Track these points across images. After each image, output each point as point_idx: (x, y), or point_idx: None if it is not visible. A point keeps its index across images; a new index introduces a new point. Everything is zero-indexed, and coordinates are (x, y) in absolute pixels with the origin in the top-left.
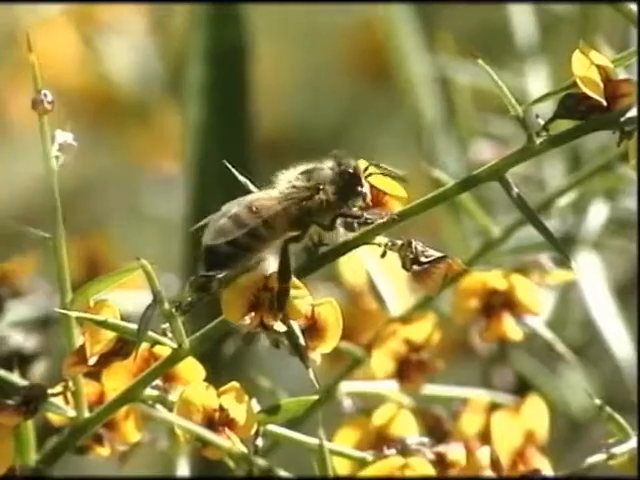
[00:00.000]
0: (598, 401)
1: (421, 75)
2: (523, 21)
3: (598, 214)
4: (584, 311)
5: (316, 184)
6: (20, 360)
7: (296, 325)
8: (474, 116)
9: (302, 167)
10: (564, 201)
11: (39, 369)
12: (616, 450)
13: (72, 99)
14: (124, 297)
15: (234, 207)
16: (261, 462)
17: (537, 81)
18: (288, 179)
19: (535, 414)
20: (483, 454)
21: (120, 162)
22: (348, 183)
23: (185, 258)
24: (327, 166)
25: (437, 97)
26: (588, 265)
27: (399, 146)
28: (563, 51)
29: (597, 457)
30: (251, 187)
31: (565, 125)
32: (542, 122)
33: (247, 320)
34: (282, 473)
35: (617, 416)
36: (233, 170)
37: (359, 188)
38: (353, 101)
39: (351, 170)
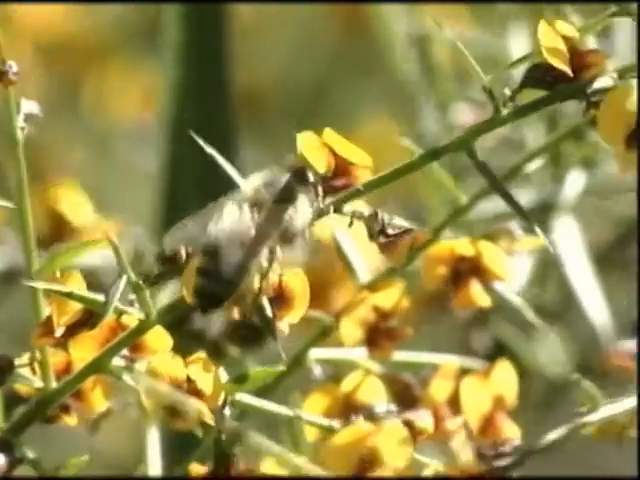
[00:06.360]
0: (575, 375)
1: (401, 35)
2: None
3: (575, 182)
4: (562, 275)
5: (287, 205)
6: None
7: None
8: (453, 79)
9: (265, 177)
10: (534, 166)
11: None
12: (586, 420)
13: (48, 49)
14: (93, 252)
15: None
16: (230, 427)
17: (519, 43)
18: (256, 194)
19: (504, 379)
20: (452, 424)
21: (95, 112)
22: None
23: (158, 213)
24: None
25: (417, 58)
26: (565, 230)
27: (379, 102)
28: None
29: (563, 429)
30: (230, 169)
31: (533, 94)
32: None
33: None
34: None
35: (587, 385)
36: (215, 155)
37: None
38: (333, 56)
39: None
